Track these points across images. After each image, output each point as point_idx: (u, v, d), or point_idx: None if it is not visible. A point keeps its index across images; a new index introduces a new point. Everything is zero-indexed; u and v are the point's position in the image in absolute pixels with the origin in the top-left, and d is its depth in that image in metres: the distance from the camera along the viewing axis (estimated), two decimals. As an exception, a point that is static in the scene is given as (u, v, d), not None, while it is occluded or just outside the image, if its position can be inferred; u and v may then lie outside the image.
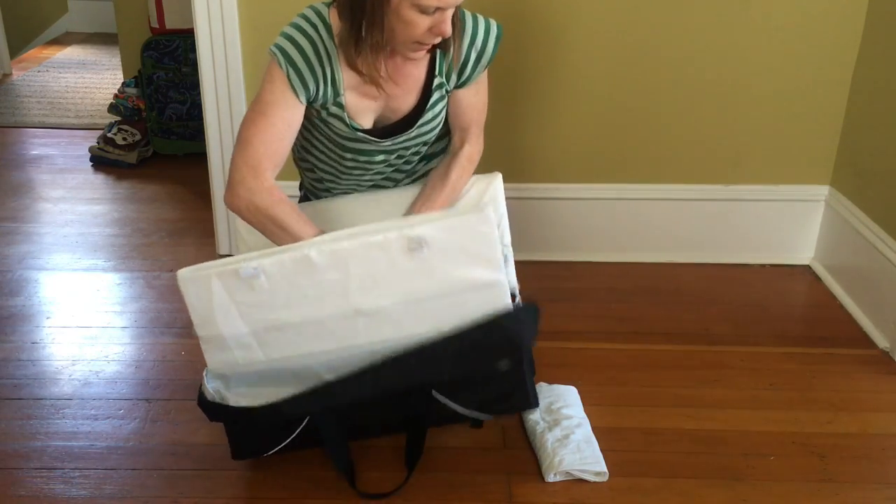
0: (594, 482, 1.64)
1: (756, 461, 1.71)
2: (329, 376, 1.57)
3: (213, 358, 1.58)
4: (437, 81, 1.65)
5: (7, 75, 4.51)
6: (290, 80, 1.54)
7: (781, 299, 2.37)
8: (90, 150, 3.32)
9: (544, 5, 2.26)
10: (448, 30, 1.49)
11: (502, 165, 2.33)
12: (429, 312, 1.51)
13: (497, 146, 2.27)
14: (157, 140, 3.35)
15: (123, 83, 3.48)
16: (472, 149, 1.78)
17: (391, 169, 1.77)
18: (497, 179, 1.81)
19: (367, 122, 1.66)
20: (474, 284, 1.49)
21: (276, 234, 1.57)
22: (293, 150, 1.79)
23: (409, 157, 1.76)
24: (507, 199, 2.31)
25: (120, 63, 3.74)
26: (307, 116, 1.65)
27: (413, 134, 1.69)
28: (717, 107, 2.37)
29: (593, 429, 1.75)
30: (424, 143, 1.74)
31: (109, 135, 3.31)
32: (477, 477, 1.65)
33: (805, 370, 2.02)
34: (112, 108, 3.44)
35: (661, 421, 1.83)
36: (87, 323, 2.19)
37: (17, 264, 2.50)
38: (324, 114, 1.62)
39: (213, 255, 2.56)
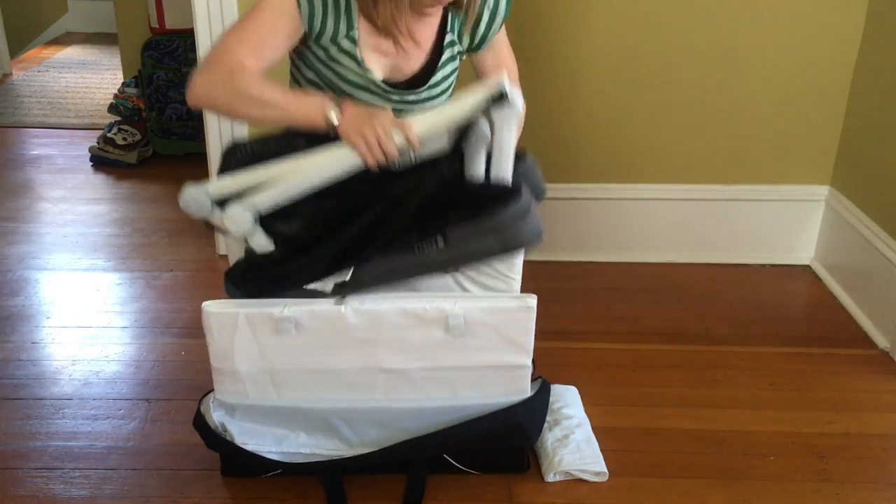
0: (594, 482, 1.64)
1: (756, 461, 1.71)
2: (341, 424, 1.59)
3: (223, 389, 1.56)
4: (448, 38, 1.59)
5: (7, 75, 4.51)
6: None
7: (781, 299, 2.37)
8: (90, 150, 3.32)
9: (544, 7, 2.26)
10: None
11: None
12: (451, 380, 1.56)
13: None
14: (157, 140, 3.35)
15: (123, 83, 3.48)
16: None
17: None
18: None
19: (376, 71, 1.55)
20: (501, 365, 1.55)
21: (251, 107, 1.43)
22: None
23: None
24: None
25: (120, 63, 3.74)
26: (310, 64, 1.55)
27: (423, 94, 1.60)
28: (718, 107, 2.37)
29: (593, 429, 1.75)
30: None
31: (109, 135, 3.31)
32: (477, 477, 1.65)
33: (805, 370, 2.02)
34: (112, 108, 3.45)
35: (661, 421, 1.83)
36: (87, 323, 2.19)
37: (17, 264, 2.50)
38: (333, 51, 1.50)
39: (213, 255, 2.57)
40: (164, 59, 3.23)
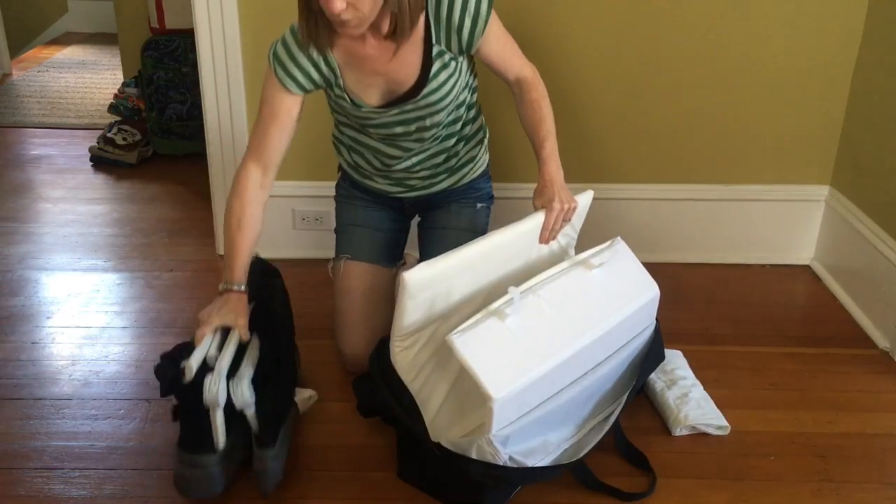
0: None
1: (756, 461, 1.71)
2: (574, 410, 1.64)
3: (502, 419, 1.47)
4: (435, 50, 1.71)
5: (7, 75, 4.51)
6: (276, 75, 1.71)
7: (781, 299, 2.37)
8: (90, 150, 3.32)
9: (544, 6, 2.26)
10: (333, 7, 1.50)
11: (503, 165, 2.34)
12: (620, 332, 1.69)
13: (498, 146, 2.28)
14: (157, 140, 3.35)
15: (123, 83, 3.49)
16: (530, 79, 1.84)
17: (420, 144, 1.83)
18: (588, 197, 1.83)
19: (372, 98, 1.74)
20: (643, 301, 1.74)
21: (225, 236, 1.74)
22: (333, 131, 1.98)
23: (434, 131, 1.81)
24: (506, 198, 2.31)
25: (120, 63, 3.74)
26: (329, 98, 1.81)
27: (421, 104, 1.74)
28: (718, 107, 2.37)
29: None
30: (440, 112, 1.78)
31: (109, 135, 3.31)
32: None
33: (805, 370, 2.02)
34: (112, 108, 3.45)
35: (661, 421, 1.83)
36: (87, 323, 2.19)
37: (17, 264, 2.50)
38: (332, 95, 1.78)
39: (213, 255, 2.57)
40: (165, 59, 3.23)
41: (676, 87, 2.35)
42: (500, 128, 2.30)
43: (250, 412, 1.56)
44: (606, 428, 1.66)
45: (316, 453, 1.72)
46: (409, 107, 1.75)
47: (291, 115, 1.75)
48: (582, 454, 1.60)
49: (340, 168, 2.06)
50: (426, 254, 1.95)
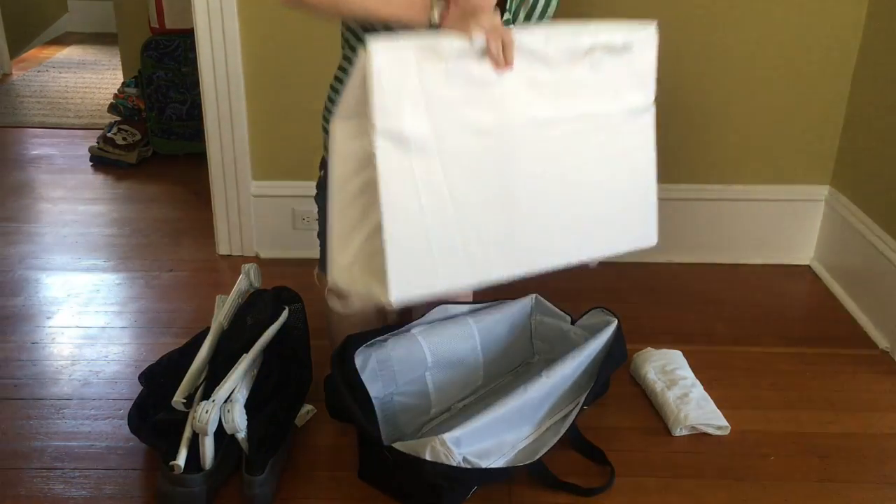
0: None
1: (756, 461, 1.71)
2: (544, 407, 1.67)
3: (405, 275, 1.34)
4: (505, 17, 1.59)
5: (7, 75, 4.51)
6: None
7: (781, 299, 2.37)
8: (90, 150, 3.32)
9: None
10: None
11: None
12: (586, 139, 1.48)
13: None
14: (156, 140, 3.36)
15: (123, 83, 3.49)
16: None
17: None
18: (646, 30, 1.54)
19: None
20: (630, 107, 1.49)
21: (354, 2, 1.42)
22: (326, 101, 1.71)
23: None
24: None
25: (120, 63, 3.75)
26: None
27: None
28: (717, 107, 2.37)
29: (592, 428, 1.75)
30: None
31: (109, 135, 3.31)
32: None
33: (805, 370, 2.02)
34: (112, 108, 3.45)
35: (661, 421, 1.83)
36: (87, 323, 2.19)
37: (17, 264, 2.50)
38: None
39: (213, 255, 2.57)
40: (164, 59, 3.23)
41: (676, 88, 2.34)
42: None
43: (241, 436, 1.57)
44: (564, 429, 1.65)
45: (316, 453, 1.72)
46: None
47: None
48: (539, 455, 1.59)
49: (324, 166, 1.80)
50: None
